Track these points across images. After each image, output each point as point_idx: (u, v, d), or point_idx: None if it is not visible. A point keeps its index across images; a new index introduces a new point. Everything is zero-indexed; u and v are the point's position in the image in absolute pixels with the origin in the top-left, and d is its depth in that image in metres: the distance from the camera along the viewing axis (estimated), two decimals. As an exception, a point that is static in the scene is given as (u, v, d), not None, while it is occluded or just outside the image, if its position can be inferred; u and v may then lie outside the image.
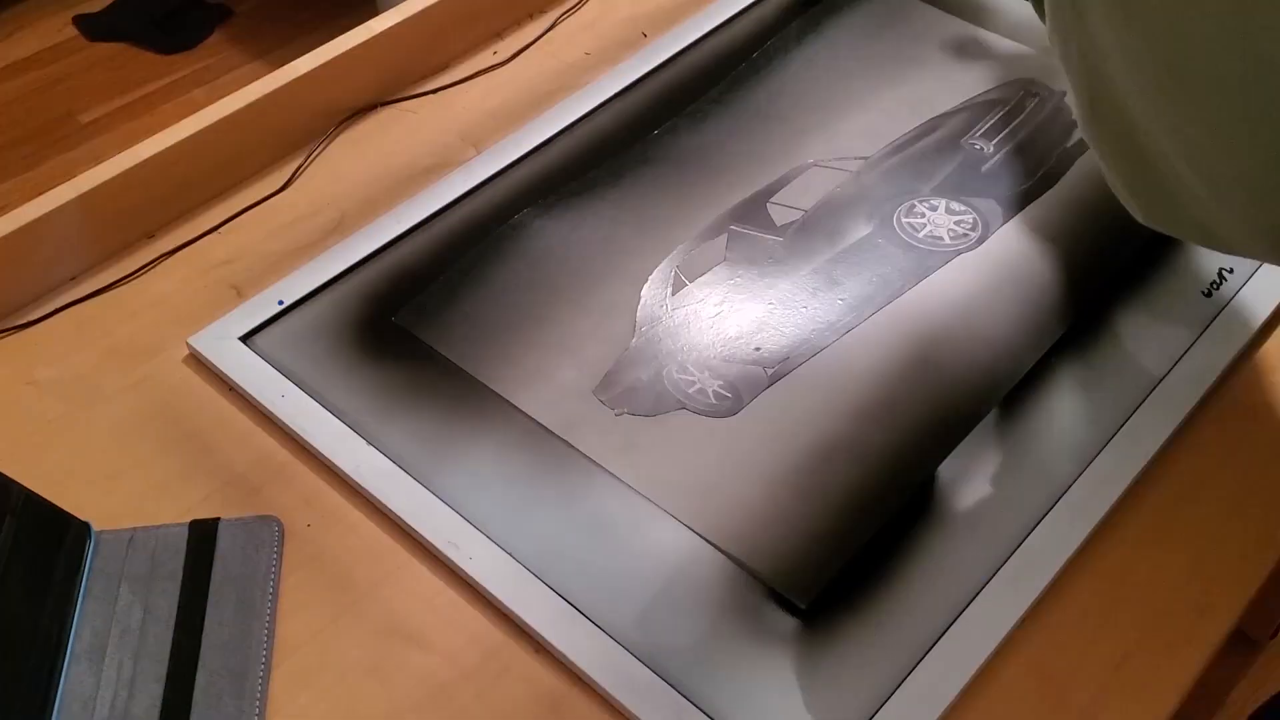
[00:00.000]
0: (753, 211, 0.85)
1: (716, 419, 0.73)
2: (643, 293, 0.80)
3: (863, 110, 0.93)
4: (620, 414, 0.73)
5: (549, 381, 0.75)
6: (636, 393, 0.74)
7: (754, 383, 0.74)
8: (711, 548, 0.67)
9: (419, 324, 0.79)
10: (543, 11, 1.05)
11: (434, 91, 0.98)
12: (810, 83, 0.96)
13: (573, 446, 0.71)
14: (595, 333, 0.78)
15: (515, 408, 0.73)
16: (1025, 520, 0.67)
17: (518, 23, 1.04)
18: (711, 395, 0.74)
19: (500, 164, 0.89)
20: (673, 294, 0.80)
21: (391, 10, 0.95)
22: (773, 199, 0.86)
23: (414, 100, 0.97)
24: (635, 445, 0.71)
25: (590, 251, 0.83)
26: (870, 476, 0.69)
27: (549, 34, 1.03)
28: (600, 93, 0.95)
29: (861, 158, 0.89)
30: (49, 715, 0.60)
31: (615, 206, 0.86)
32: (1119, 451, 0.70)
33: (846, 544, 0.66)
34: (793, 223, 0.84)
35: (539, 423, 0.72)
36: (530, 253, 0.83)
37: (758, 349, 0.76)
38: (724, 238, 0.83)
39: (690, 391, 0.74)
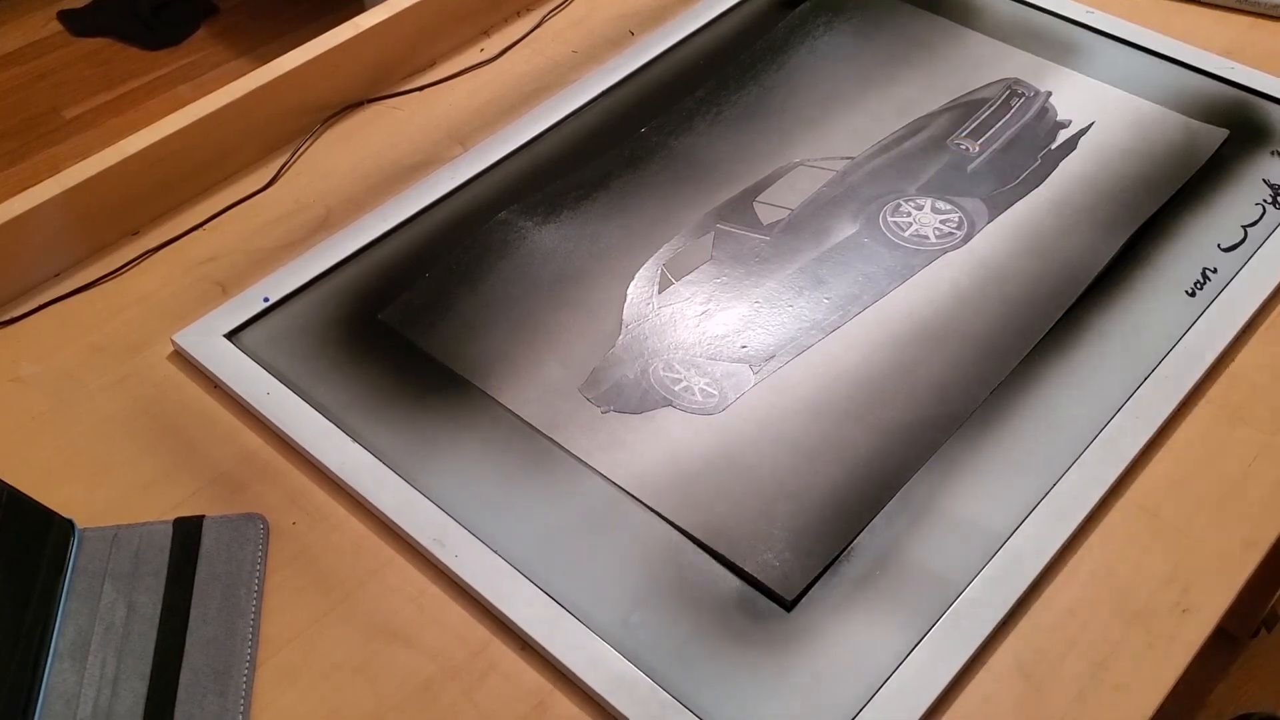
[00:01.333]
0: (739, 210, 0.85)
1: (703, 416, 0.73)
2: (629, 291, 0.80)
3: (849, 110, 0.93)
4: (606, 411, 0.73)
5: (535, 379, 0.75)
6: (622, 390, 0.74)
7: (740, 381, 0.74)
8: (698, 545, 0.67)
9: (405, 322, 0.79)
10: (530, 9, 1.05)
11: (420, 89, 0.97)
12: (797, 83, 0.96)
13: (559, 445, 0.71)
14: (581, 330, 0.78)
15: (502, 405, 0.73)
16: (1008, 520, 0.67)
17: (505, 20, 1.04)
18: (698, 393, 0.74)
19: (487, 161, 0.89)
20: (659, 292, 0.80)
21: (378, 7, 0.95)
22: (759, 198, 0.86)
23: (400, 97, 0.97)
24: (621, 442, 0.71)
25: (576, 249, 0.83)
26: (855, 474, 0.70)
27: (536, 31, 1.03)
28: (587, 90, 0.95)
29: (848, 157, 0.89)
30: (32, 713, 0.59)
31: (602, 204, 0.86)
32: (1102, 451, 0.70)
33: (831, 541, 0.67)
34: (779, 222, 0.84)
35: (525, 421, 0.72)
36: (516, 251, 0.83)
37: (744, 347, 0.76)
38: (711, 236, 0.83)
39: (676, 389, 0.74)
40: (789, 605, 0.64)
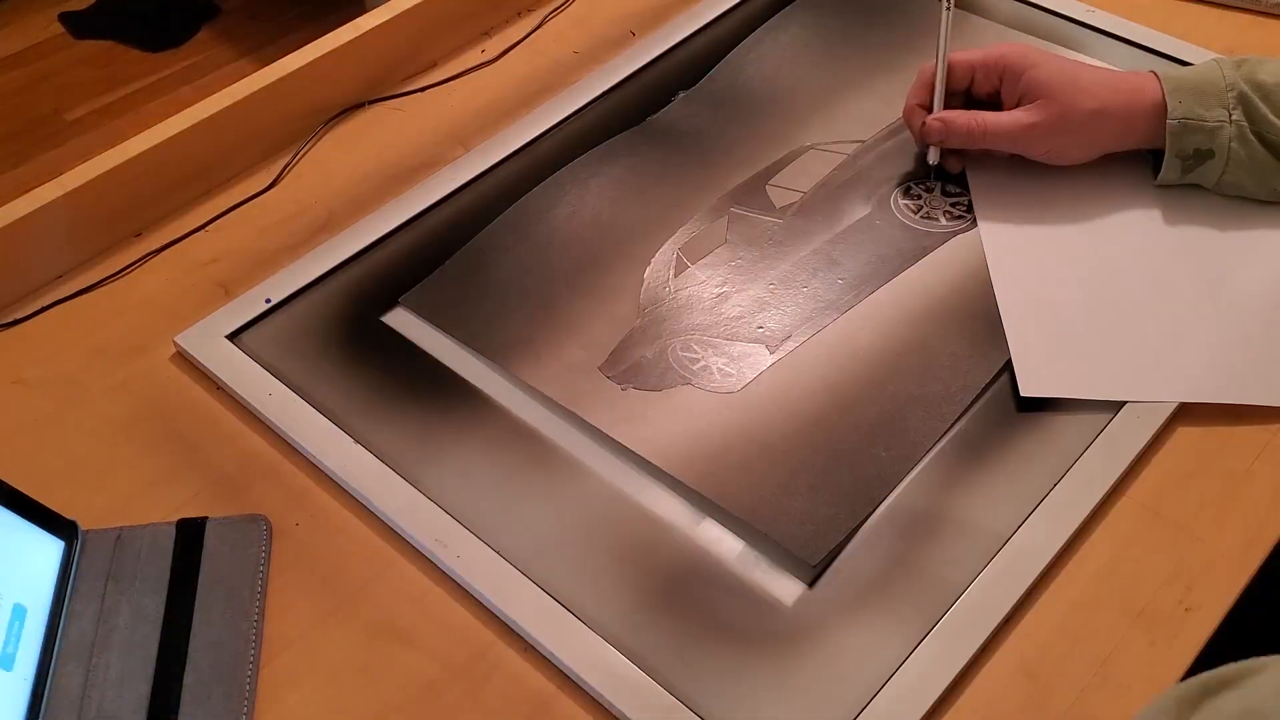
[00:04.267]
0: (752, 194, 0.86)
1: (722, 395, 0.73)
2: (645, 275, 0.81)
3: (858, 95, 0.94)
4: (626, 389, 0.74)
5: (556, 360, 0.75)
6: (641, 369, 0.75)
7: (757, 360, 0.75)
8: (703, 542, 0.67)
9: (424, 307, 0.79)
10: (531, 10, 1.05)
11: (422, 90, 0.98)
12: (806, 68, 0.96)
13: (580, 418, 0.72)
14: (600, 315, 0.78)
15: (523, 383, 0.74)
16: (1009, 520, 0.67)
17: (506, 21, 1.04)
18: (716, 373, 0.74)
19: (488, 162, 0.89)
20: (675, 276, 0.80)
21: (379, 8, 0.95)
22: (771, 181, 0.87)
23: (402, 98, 0.97)
24: (642, 417, 0.72)
25: (593, 236, 0.83)
26: (874, 448, 0.70)
27: (537, 32, 1.03)
28: (589, 91, 0.95)
29: (858, 141, 0.89)
30: (36, 714, 0.59)
31: (616, 188, 0.87)
32: (1103, 449, 0.70)
33: (850, 512, 0.67)
34: (792, 205, 0.85)
35: (548, 396, 0.73)
36: (533, 238, 0.83)
37: (760, 328, 0.77)
38: (725, 220, 0.84)
39: (695, 369, 0.75)
40: (811, 573, 0.65)
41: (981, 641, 0.62)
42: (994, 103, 0.84)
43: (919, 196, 0.85)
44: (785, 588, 0.65)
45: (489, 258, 0.82)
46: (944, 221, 0.83)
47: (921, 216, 0.83)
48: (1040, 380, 0.72)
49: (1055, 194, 0.83)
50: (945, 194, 0.85)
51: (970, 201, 0.84)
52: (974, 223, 0.83)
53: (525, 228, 0.84)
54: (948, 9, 0.83)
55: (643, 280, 0.80)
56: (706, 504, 0.68)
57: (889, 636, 0.63)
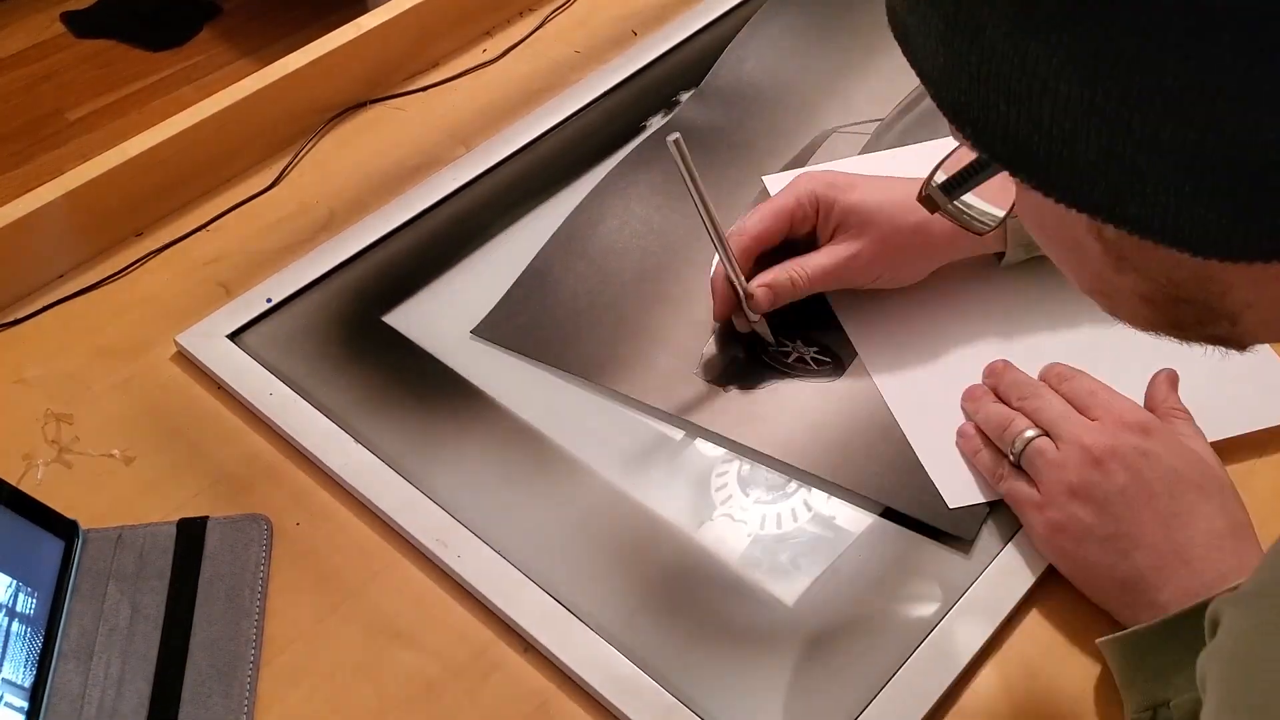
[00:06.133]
0: None
1: (825, 381, 0.74)
2: (710, 278, 0.77)
3: (863, 76, 0.95)
4: (729, 390, 0.74)
5: (649, 370, 0.75)
6: (738, 368, 0.75)
7: (847, 345, 0.75)
8: (703, 542, 0.67)
9: (499, 335, 0.77)
10: (532, 9, 1.05)
11: (423, 89, 0.98)
12: (805, 56, 0.97)
13: (697, 425, 0.72)
14: (676, 320, 0.78)
15: (626, 397, 0.74)
16: (1012, 517, 0.67)
17: (507, 20, 1.04)
18: (810, 361, 0.74)
19: (490, 162, 0.89)
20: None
21: (381, 8, 0.95)
22: (805, 167, 0.87)
23: (403, 98, 0.97)
24: (757, 416, 0.72)
25: (646, 243, 0.83)
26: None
27: (538, 32, 1.03)
28: (590, 90, 0.95)
29: (877, 120, 0.91)
30: (37, 713, 0.59)
31: (657, 194, 0.86)
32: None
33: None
34: None
35: (657, 409, 0.73)
36: (589, 253, 0.82)
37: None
38: None
39: (789, 361, 0.75)
40: (970, 540, 0.66)
41: (983, 641, 0.62)
42: (811, 241, 0.76)
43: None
44: (785, 588, 0.65)
45: (550, 278, 0.81)
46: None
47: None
48: (962, 491, 0.68)
49: (922, 304, 0.77)
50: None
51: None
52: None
53: (579, 244, 0.83)
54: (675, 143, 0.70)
55: (710, 283, 0.76)
56: (844, 493, 0.69)
57: (889, 636, 0.63)
